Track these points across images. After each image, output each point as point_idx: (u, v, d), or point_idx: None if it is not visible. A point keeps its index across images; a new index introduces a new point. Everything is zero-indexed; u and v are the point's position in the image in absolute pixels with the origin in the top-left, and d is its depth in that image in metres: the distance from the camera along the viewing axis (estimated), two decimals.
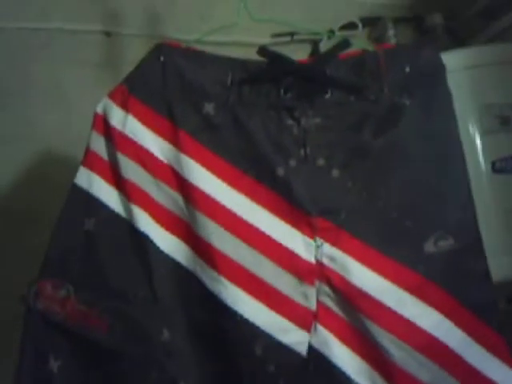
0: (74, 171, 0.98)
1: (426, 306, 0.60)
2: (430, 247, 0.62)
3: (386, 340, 0.58)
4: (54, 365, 0.58)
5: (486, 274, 0.63)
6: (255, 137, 0.62)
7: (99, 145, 0.65)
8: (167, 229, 0.62)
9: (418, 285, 0.60)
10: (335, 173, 0.63)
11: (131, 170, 0.62)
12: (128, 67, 0.85)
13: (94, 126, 0.66)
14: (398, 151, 0.64)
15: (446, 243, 0.62)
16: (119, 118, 0.64)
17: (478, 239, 0.64)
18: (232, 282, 0.58)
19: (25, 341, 0.59)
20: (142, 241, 0.60)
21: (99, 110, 0.66)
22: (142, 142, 0.63)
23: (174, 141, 0.63)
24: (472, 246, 0.63)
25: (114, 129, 0.64)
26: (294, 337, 0.59)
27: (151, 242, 0.60)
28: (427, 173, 0.64)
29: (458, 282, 0.62)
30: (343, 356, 0.59)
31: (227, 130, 0.63)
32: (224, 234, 0.60)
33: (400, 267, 0.60)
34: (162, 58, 0.65)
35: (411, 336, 0.59)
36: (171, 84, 0.64)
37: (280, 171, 0.61)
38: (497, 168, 0.92)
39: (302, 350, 0.59)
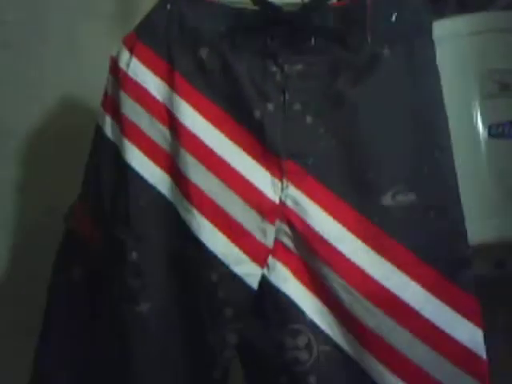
0: (84, 120, 1.02)
1: (379, 257, 0.62)
2: (387, 200, 0.63)
3: (337, 284, 0.61)
4: (76, 273, 0.69)
5: (457, 234, 0.63)
6: (239, 81, 0.66)
7: (109, 85, 0.72)
8: (154, 161, 0.67)
9: (373, 235, 0.62)
10: (309, 119, 0.66)
11: (128, 106, 0.68)
12: (137, 19, 0.86)
13: (109, 68, 0.73)
14: (373, 101, 0.65)
15: (406, 198, 0.63)
16: (125, 60, 0.70)
17: (452, 199, 0.64)
18: (200, 213, 0.64)
19: (57, 253, 0.72)
20: (125, 169, 0.66)
21: (114, 53, 0.72)
22: (142, 81, 0.69)
23: (170, 81, 0.68)
24: (442, 205, 0.64)
25: (121, 69, 0.70)
26: (245, 268, 0.63)
27: (133, 170, 0.66)
28: (400, 125, 0.66)
29: (419, 239, 0.63)
30: (299, 293, 0.63)
31: (216, 73, 0.68)
32: (200, 169, 0.65)
33: (358, 216, 0.63)
34: (168, 7, 0.70)
35: (360, 283, 0.61)
36: (173, 30, 0.69)
37: (257, 114, 0.65)
38: (493, 133, 0.93)
39: (253, 282, 0.63)
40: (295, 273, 0.63)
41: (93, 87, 1.07)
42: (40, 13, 1.11)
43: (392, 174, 0.64)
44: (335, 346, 0.62)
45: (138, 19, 0.73)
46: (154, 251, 0.65)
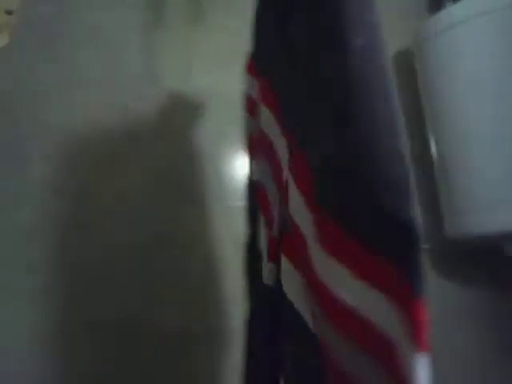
0: (113, 117, 0.98)
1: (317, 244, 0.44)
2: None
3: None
4: None
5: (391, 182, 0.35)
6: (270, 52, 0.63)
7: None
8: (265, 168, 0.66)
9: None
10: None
11: (248, 124, 0.73)
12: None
13: None
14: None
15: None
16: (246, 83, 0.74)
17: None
18: (261, 211, 0.65)
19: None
20: (250, 183, 0.72)
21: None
22: (251, 93, 0.71)
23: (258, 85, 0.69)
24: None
25: (245, 93, 0.74)
26: (265, 265, 0.60)
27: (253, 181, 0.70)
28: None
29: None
30: (298, 295, 0.49)
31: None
32: (263, 168, 0.66)
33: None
34: None
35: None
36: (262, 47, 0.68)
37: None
38: None
39: (270, 281, 0.58)
40: (295, 265, 0.50)
41: (118, 80, 1.05)
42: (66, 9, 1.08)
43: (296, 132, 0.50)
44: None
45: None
46: None
